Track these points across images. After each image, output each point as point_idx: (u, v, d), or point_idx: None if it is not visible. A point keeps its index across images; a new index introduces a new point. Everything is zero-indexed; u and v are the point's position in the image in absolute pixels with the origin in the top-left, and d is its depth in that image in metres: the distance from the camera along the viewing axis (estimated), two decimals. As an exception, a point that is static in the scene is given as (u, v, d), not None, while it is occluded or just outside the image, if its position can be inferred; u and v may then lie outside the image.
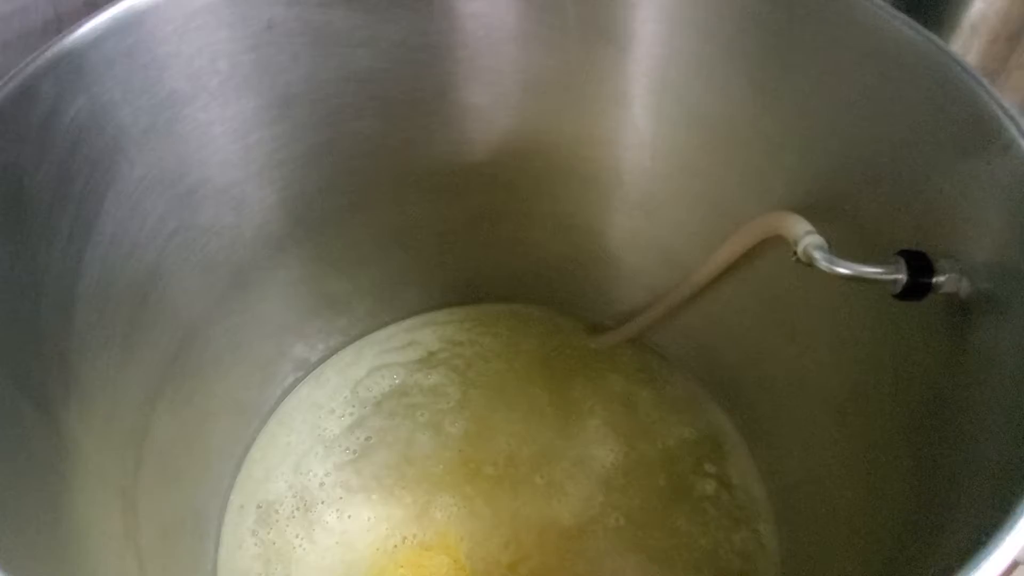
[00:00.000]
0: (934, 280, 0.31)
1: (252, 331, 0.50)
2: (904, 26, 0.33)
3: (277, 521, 0.50)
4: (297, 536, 0.49)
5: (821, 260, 0.33)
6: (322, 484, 0.52)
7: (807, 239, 0.34)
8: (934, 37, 0.32)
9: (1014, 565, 0.36)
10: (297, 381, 0.56)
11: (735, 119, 0.43)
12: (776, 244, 0.40)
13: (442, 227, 0.55)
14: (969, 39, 0.49)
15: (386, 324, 0.60)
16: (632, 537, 0.50)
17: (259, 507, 0.50)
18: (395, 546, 0.49)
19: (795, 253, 0.35)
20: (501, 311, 0.62)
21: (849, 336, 0.42)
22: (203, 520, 0.47)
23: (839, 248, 0.35)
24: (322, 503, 0.51)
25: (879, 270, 0.32)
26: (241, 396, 0.51)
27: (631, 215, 0.54)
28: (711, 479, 0.53)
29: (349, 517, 0.50)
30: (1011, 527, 0.22)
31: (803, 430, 0.49)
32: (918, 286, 0.31)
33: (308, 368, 0.57)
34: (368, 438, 0.54)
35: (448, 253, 0.58)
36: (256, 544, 0.49)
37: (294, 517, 0.50)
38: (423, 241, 0.56)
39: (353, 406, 0.56)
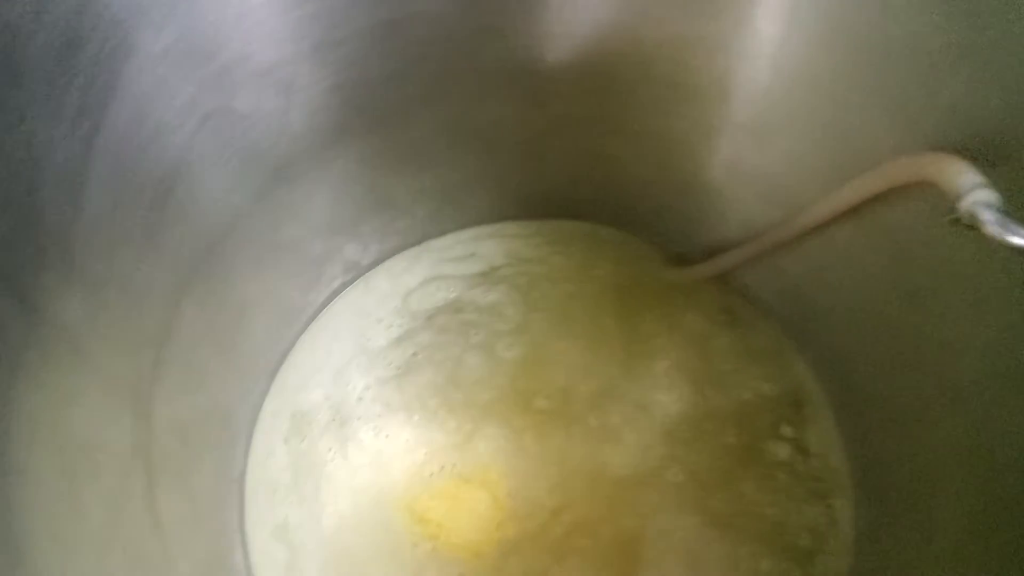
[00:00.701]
0: None
1: (297, 228, 0.46)
2: None
3: (311, 432, 0.47)
4: (330, 450, 0.47)
5: (991, 223, 0.26)
6: (361, 398, 0.48)
7: (976, 194, 0.27)
8: None
9: None
10: (345, 285, 0.53)
11: (890, 32, 0.34)
12: (919, 193, 0.33)
13: (519, 132, 0.49)
14: None
15: (447, 232, 0.55)
16: (691, 497, 0.45)
17: (293, 416, 0.48)
18: (431, 474, 0.46)
19: (953, 209, 0.28)
20: (576, 230, 0.55)
21: (991, 313, 0.34)
22: (232, 426, 0.44)
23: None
24: (359, 418, 0.48)
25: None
26: (282, 297, 0.48)
27: (736, 139, 0.46)
28: (787, 443, 0.47)
29: (386, 437, 0.47)
30: None
31: (907, 406, 0.42)
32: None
33: (358, 271, 0.53)
34: (415, 354, 0.50)
35: (523, 161, 0.51)
36: (287, 454, 0.46)
37: (329, 430, 0.47)
38: (496, 145, 0.50)
39: (402, 317, 0.52)
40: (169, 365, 0.36)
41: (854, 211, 0.40)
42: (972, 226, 0.27)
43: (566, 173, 0.52)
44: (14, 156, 0.26)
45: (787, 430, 0.47)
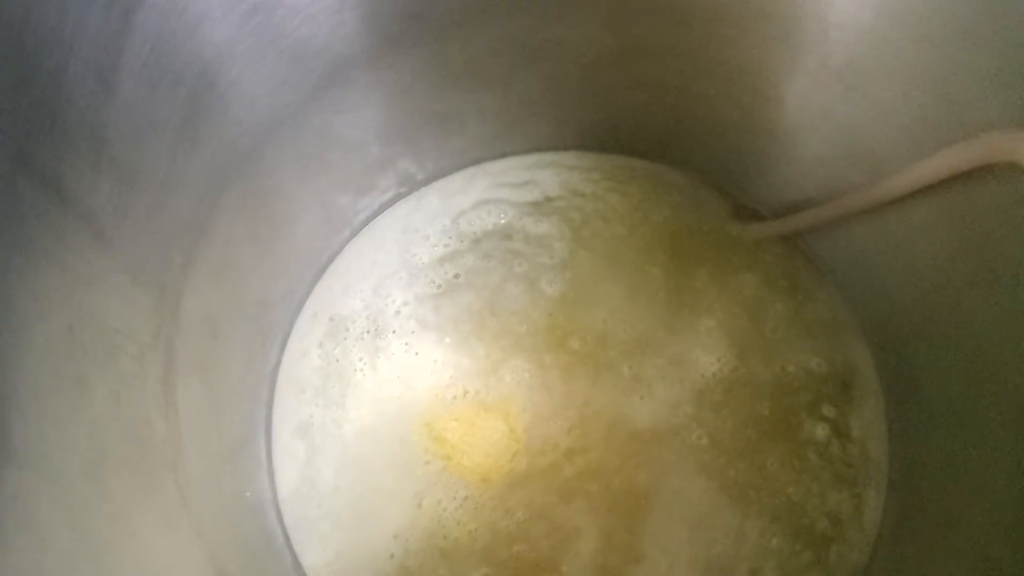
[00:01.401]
0: None
1: (351, 134, 0.45)
2: None
3: (345, 339, 0.48)
4: (361, 359, 0.47)
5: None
6: (398, 312, 0.49)
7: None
8: None
9: None
10: (398, 197, 0.52)
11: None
12: (1014, 175, 0.29)
13: (589, 57, 0.46)
14: None
15: (505, 155, 0.53)
16: (710, 461, 0.44)
17: (331, 320, 0.48)
18: (454, 397, 0.46)
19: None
20: (638, 168, 0.53)
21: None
22: (268, 324, 0.45)
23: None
24: (393, 332, 0.48)
25: None
26: (330, 203, 0.47)
27: (826, 85, 0.41)
28: (826, 423, 0.44)
29: (416, 354, 0.47)
30: None
31: (963, 407, 0.39)
32: None
33: (412, 186, 0.52)
34: (457, 275, 0.50)
35: (590, 88, 0.48)
36: (320, 357, 0.47)
37: (362, 339, 0.48)
38: (563, 68, 0.47)
39: (450, 237, 0.51)
40: (203, 260, 0.37)
41: (940, 185, 0.36)
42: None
43: (636, 106, 0.49)
44: (44, 24, 0.25)
45: (829, 411, 0.45)
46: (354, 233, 0.51)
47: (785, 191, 0.48)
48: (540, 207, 0.52)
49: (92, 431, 0.25)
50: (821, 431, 0.44)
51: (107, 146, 0.29)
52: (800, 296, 0.48)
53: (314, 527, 0.43)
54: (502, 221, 0.51)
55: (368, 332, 0.48)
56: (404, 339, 0.48)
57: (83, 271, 0.28)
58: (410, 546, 0.42)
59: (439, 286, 0.49)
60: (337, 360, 0.47)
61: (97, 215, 0.29)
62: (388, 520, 0.43)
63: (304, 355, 0.47)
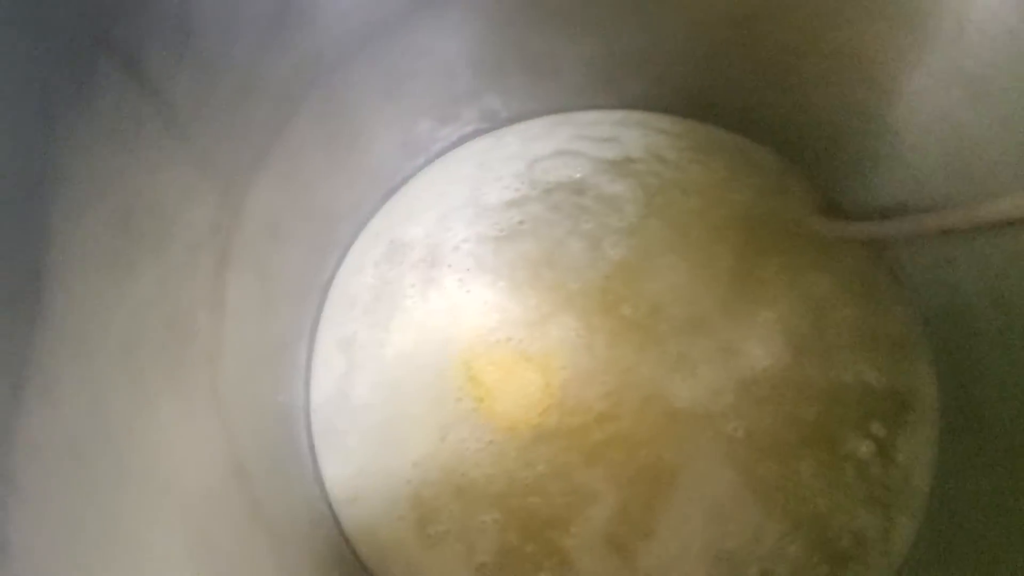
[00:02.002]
0: None
1: (441, 60, 0.44)
2: None
3: (402, 263, 0.48)
4: (412, 286, 0.48)
5: None
6: (457, 248, 0.48)
7: None
8: None
9: None
10: (478, 133, 0.51)
11: None
12: None
13: (697, 15, 0.43)
14: None
15: (593, 108, 0.51)
16: (742, 455, 0.42)
17: (392, 243, 0.49)
18: (497, 341, 0.46)
19: None
20: (728, 142, 0.50)
21: None
22: (331, 235, 0.46)
23: None
24: (449, 266, 0.48)
25: None
26: (409, 127, 0.47)
27: (950, 88, 0.38)
28: (872, 442, 0.42)
29: (468, 292, 0.47)
30: None
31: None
32: None
33: (494, 123, 0.51)
34: (521, 222, 0.49)
35: (694, 50, 0.46)
36: (374, 276, 0.48)
37: (418, 267, 0.48)
38: (668, 26, 0.44)
39: (522, 182, 0.50)
40: (274, 162, 0.37)
41: (1051, 218, 0.33)
42: None
43: (738, 77, 0.46)
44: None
45: (879, 429, 0.43)
46: (428, 161, 0.51)
47: (880, 193, 0.45)
48: (618, 166, 0.50)
49: (133, 314, 0.26)
50: (865, 448, 0.42)
51: (193, 37, 0.29)
52: (873, 306, 0.45)
53: (340, 439, 0.44)
54: (577, 175, 0.50)
55: (424, 261, 0.48)
56: (458, 275, 0.48)
57: (150, 157, 0.28)
58: (427, 476, 0.43)
59: (502, 229, 0.49)
60: (390, 283, 0.48)
61: (173, 105, 0.29)
62: (411, 447, 0.44)
63: (359, 272, 0.48)
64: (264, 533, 0.29)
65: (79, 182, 0.24)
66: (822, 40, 0.40)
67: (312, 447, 0.43)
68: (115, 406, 0.22)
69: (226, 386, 0.32)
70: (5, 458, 0.17)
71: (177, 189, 0.30)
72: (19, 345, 0.20)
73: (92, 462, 0.21)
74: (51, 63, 0.23)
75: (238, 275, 0.36)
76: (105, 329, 0.23)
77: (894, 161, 0.43)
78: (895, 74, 0.39)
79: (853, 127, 0.44)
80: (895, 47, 0.38)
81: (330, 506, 0.42)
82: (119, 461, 0.23)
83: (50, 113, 0.24)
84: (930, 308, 0.44)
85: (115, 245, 0.26)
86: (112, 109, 0.26)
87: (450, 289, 0.47)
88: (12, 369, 0.20)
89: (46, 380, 0.19)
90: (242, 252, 0.36)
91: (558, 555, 0.41)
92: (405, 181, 0.50)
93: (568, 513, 0.42)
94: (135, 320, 0.26)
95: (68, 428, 0.19)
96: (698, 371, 0.45)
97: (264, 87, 0.34)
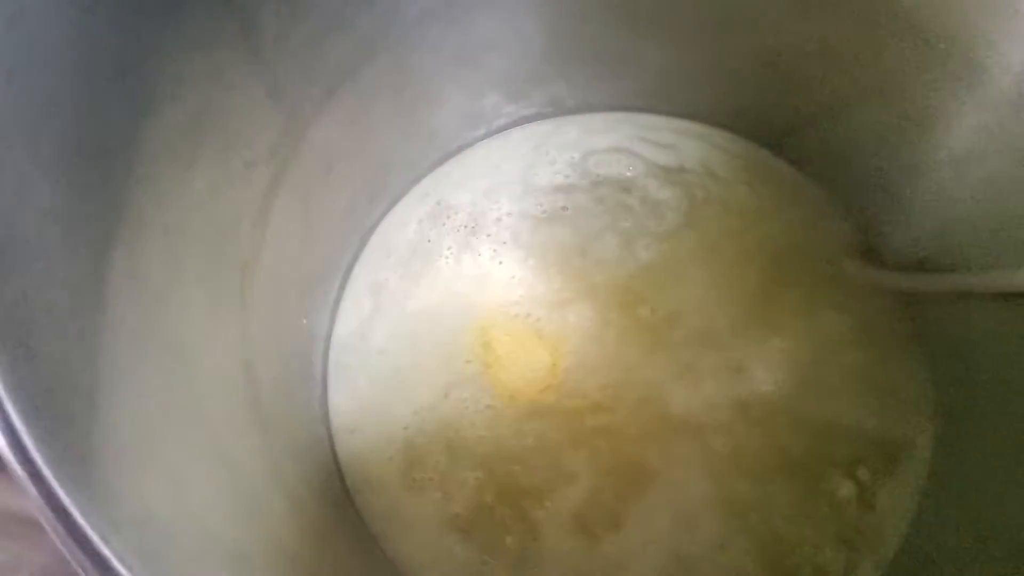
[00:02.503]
0: None
1: (519, 40, 0.46)
2: None
3: (444, 224, 0.51)
4: (449, 248, 0.50)
5: None
6: (499, 220, 0.51)
7: None
8: None
9: None
10: (541, 116, 0.53)
11: None
12: None
13: (771, 42, 0.44)
14: None
15: (657, 112, 0.53)
16: (722, 471, 0.43)
17: (438, 204, 0.51)
18: (516, 315, 0.48)
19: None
20: (780, 171, 0.51)
21: None
22: (381, 185, 0.49)
23: None
24: (487, 236, 0.50)
25: None
26: (478, 97, 0.49)
27: (1000, 153, 0.38)
28: (854, 484, 0.43)
29: (500, 263, 0.49)
30: None
31: (1015, 536, 0.36)
32: None
33: (559, 109, 0.53)
34: (565, 208, 0.51)
35: (762, 75, 0.47)
36: (416, 232, 0.51)
37: (458, 231, 0.50)
38: (741, 47, 0.45)
39: (573, 171, 0.52)
40: (340, 103, 0.40)
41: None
42: None
43: (799, 109, 0.47)
44: None
45: (864, 474, 0.43)
46: (489, 134, 0.53)
47: (916, 247, 0.45)
48: (670, 174, 0.51)
49: (183, 205, 0.29)
50: (845, 490, 0.43)
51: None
52: (884, 354, 0.45)
53: (351, 374, 0.47)
54: (628, 174, 0.52)
55: (465, 227, 0.51)
56: (494, 246, 0.50)
57: (227, 73, 0.31)
58: (424, 426, 0.46)
59: (544, 211, 0.51)
60: (429, 241, 0.50)
61: (257, 28, 0.32)
62: (414, 396, 0.46)
63: (403, 225, 0.51)
64: (258, 430, 0.32)
65: (161, 82, 0.27)
66: (880, 88, 0.40)
67: (325, 375, 0.46)
68: (153, 279, 0.25)
69: (254, 293, 0.35)
70: (72, 308, 0.20)
71: (246, 108, 0.33)
72: (84, 210, 0.23)
73: (124, 322, 0.24)
74: (154, -28, 0.26)
75: (286, 200, 0.38)
76: (155, 211, 0.26)
77: (935, 218, 0.43)
78: (948, 132, 0.39)
79: (901, 179, 0.44)
80: (951, 102, 0.38)
81: (329, 432, 0.45)
82: (148, 326, 0.26)
83: (146, 14, 0.27)
84: (943, 368, 0.44)
85: (180, 144, 0.29)
86: (199, 21, 0.29)
87: (484, 257, 0.50)
88: (83, 235, 0.23)
89: (98, 245, 0.22)
90: (294, 180, 0.39)
91: (527, 523, 0.43)
92: (462, 148, 0.52)
93: (545, 487, 0.44)
94: (184, 211, 0.29)
95: (111, 288, 0.22)
96: (700, 382, 0.46)
97: (345, 31, 0.37)
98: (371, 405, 0.46)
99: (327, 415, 0.46)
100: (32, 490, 0.16)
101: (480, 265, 0.50)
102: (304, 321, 0.43)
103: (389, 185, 0.50)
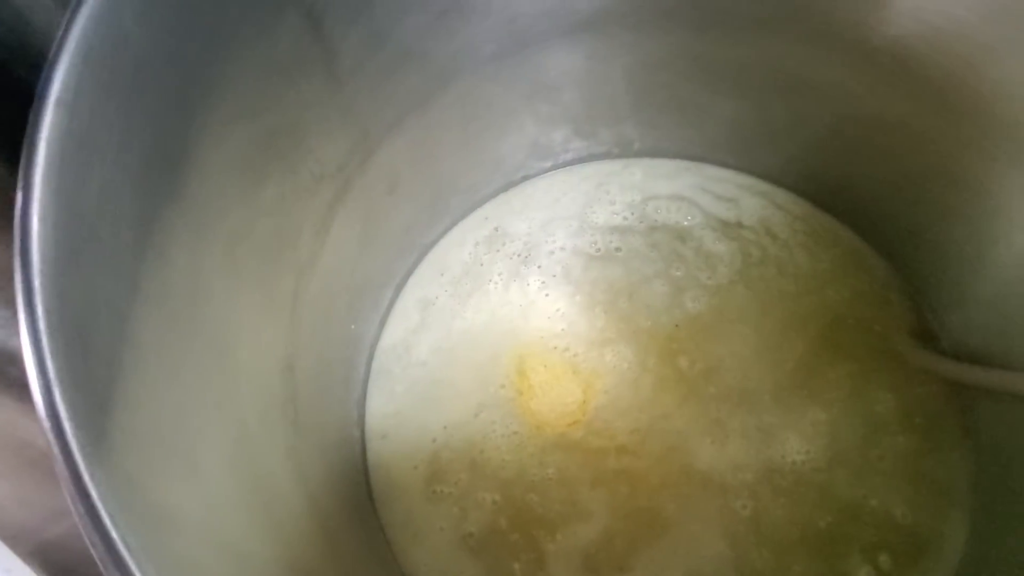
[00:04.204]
0: None
1: (592, 81, 0.47)
2: None
3: (498, 251, 0.52)
4: (500, 274, 0.51)
5: None
6: (552, 253, 0.52)
7: None
8: None
9: None
10: (607, 156, 0.54)
11: None
12: None
13: (845, 110, 0.44)
14: None
15: (723, 165, 0.53)
16: (740, 534, 0.43)
17: (496, 229, 0.53)
18: (555, 347, 0.49)
19: None
20: (842, 238, 0.50)
21: None
22: (442, 208, 0.50)
23: None
24: (538, 267, 0.51)
25: None
26: (547, 132, 0.51)
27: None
28: (874, 571, 0.42)
29: (546, 295, 0.50)
30: None
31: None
32: None
33: (625, 151, 0.54)
34: (618, 248, 0.52)
35: (832, 141, 0.46)
36: (471, 254, 0.52)
37: (511, 259, 0.52)
38: (813, 111, 0.45)
39: (631, 212, 0.53)
40: (409, 127, 0.42)
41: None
42: None
43: (868, 179, 0.46)
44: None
45: (885, 562, 0.42)
46: (554, 167, 0.54)
47: (976, 337, 0.44)
48: (728, 228, 0.52)
49: (249, 214, 0.31)
50: (863, 575, 0.42)
51: (371, 8, 0.34)
52: (929, 443, 0.44)
53: (391, 382, 0.49)
54: (685, 223, 0.52)
55: (518, 255, 0.52)
56: (544, 277, 0.51)
57: (305, 94, 0.34)
58: (451, 442, 0.47)
59: (598, 249, 0.52)
60: (481, 264, 0.52)
61: (337, 55, 0.34)
62: (447, 412, 0.48)
63: (459, 245, 0.52)
64: (291, 429, 0.34)
65: (243, 101, 0.29)
66: (951, 170, 0.40)
67: (366, 379, 0.48)
68: (210, 279, 0.28)
69: (306, 299, 0.37)
70: (130, 302, 0.22)
71: (319, 126, 0.35)
72: (156, 216, 0.26)
73: (177, 319, 0.26)
74: (245, 6, 0.28)
75: (348, 213, 0.41)
76: (222, 218, 0.29)
77: (997, 313, 0.42)
78: (1014, 226, 0.38)
79: (966, 267, 0.43)
80: (1019, 197, 0.37)
81: (363, 434, 0.47)
82: (199, 324, 0.28)
83: (239, 40, 0.29)
84: (985, 465, 0.43)
85: (254, 157, 0.31)
86: (287, 49, 0.31)
87: (532, 288, 0.51)
88: (153, 238, 0.25)
89: (164, 247, 0.24)
90: (358, 195, 0.41)
91: (537, 553, 0.44)
92: (526, 179, 0.54)
93: (559, 520, 0.44)
94: (249, 218, 0.31)
95: (170, 287, 0.25)
96: (729, 441, 0.46)
97: (420, 62, 0.39)
98: (405, 413, 0.48)
99: (363, 418, 0.48)
100: (64, 470, 0.18)
101: (527, 295, 0.51)
102: (352, 327, 0.45)
103: (451, 206, 0.52)
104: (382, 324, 0.50)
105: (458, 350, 0.50)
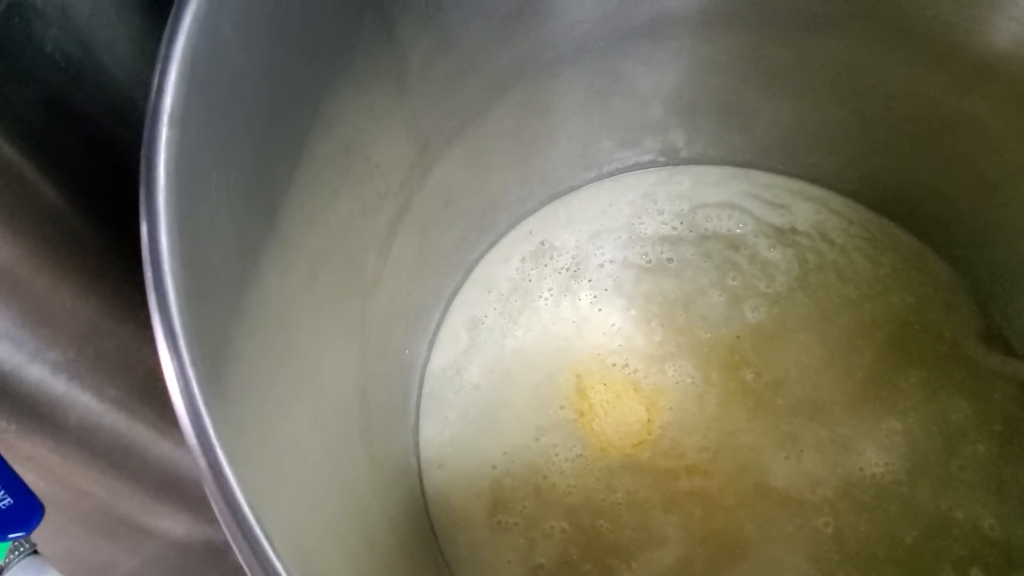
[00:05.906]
0: None
1: (642, 88, 0.46)
2: None
3: (546, 265, 0.50)
4: (550, 290, 0.49)
5: None
6: (602, 266, 0.50)
7: None
8: None
9: None
10: (654, 164, 0.52)
11: None
12: None
13: (906, 111, 0.43)
14: None
15: (774, 171, 0.51)
16: (824, 554, 0.41)
17: (542, 243, 0.51)
18: (614, 364, 0.47)
19: None
20: (903, 242, 0.49)
21: None
22: (488, 223, 0.48)
23: None
24: (589, 281, 0.49)
25: None
26: (594, 142, 0.49)
27: None
28: (967, 587, 0.40)
29: (599, 310, 0.48)
30: None
31: None
32: None
33: (672, 159, 0.52)
34: (670, 259, 0.50)
35: (892, 143, 0.45)
36: (518, 270, 0.50)
37: (560, 273, 0.50)
38: (871, 113, 0.44)
39: (681, 222, 0.51)
40: (467, 139, 0.40)
41: None
42: None
43: (931, 183, 0.45)
44: None
45: (976, 575, 0.40)
46: (600, 177, 0.52)
47: (1053, 339, 0.42)
48: (782, 235, 0.50)
49: (325, 238, 0.29)
50: (957, 591, 0.40)
51: (441, 12, 0.32)
52: (1011, 450, 0.43)
53: (444, 409, 0.47)
54: (738, 231, 0.50)
55: (567, 269, 0.50)
56: (595, 292, 0.49)
57: (376, 106, 0.32)
58: (512, 468, 0.45)
59: (649, 261, 0.50)
60: (530, 280, 0.50)
61: (407, 62, 0.32)
62: (505, 437, 0.45)
63: (505, 262, 0.50)
64: (368, 457, 0.32)
65: (323, 108, 0.27)
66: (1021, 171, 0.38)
67: (419, 406, 0.46)
68: (298, 305, 0.25)
69: (371, 320, 0.35)
70: (230, 323, 0.20)
71: (387, 138, 0.33)
72: (250, 240, 0.23)
73: (271, 347, 0.24)
74: (329, 8, 0.26)
75: (407, 230, 0.38)
76: (303, 240, 0.27)
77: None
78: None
79: (1043, 264, 0.42)
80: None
81: (419, 464, 0.45)
82: (295, 347, 0.26)
83: (328, 44, 0.27)
84: (1074, 472, 0.41)
85: (330, 174, 0.29)
86: (365, 57, 0.29)
87: (583, 303, 0.49)
88: (247, 261, 0.23)
89: (258, 271, 0.22)
90: (416, 211, 0.39)
91: (613, 584, 0.41)
92: (572, 190, 0.52)
93: (633, 548, 0.42)
94: (324, 239, 0.29)
95: (267, 313, 0.22)
96: (803, 456, 0.44)
97: (483, 69, 0.37)
98: (461, 440, 0.46)
99: (417, 446, 0.45)
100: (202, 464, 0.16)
101: (579, 310, 0.49)
102: (407, 351, 0.43)
103: (496, 221, 0.50)
104: (430, 346, 0.48)
105: (512, 371, 0.47)
